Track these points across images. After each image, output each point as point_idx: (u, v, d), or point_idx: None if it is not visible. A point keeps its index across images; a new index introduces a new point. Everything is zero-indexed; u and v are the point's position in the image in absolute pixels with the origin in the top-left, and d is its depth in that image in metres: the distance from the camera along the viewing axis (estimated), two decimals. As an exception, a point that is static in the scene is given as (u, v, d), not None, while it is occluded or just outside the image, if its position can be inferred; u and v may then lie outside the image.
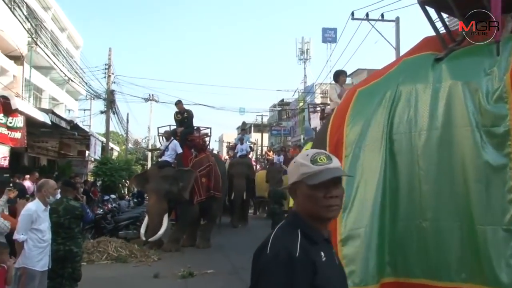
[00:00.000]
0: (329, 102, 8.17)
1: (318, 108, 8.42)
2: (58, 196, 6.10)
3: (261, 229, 16.33)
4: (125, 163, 20.36)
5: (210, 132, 13.68)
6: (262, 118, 51.15)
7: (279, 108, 55.51)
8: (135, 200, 20.15)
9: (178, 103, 12.78)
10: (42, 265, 5.23)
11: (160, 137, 12.96)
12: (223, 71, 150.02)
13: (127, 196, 20.48)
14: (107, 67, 23.00)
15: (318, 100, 45.52)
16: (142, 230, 10.88)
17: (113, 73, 23.12)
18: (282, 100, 53.73)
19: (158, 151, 12.67)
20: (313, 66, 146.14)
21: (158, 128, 13.07)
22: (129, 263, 9.64)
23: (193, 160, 11.96)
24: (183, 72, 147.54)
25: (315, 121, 7.88)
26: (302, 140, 45.88)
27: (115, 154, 29.57)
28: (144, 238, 10.75)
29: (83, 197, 6.90)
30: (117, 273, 8.67)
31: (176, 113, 12.74)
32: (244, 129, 23.41)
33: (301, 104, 49.13)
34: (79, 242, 5.83)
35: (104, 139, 24.38)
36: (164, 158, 11.61)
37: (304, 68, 55.50)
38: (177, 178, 11.12)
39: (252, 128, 57.57)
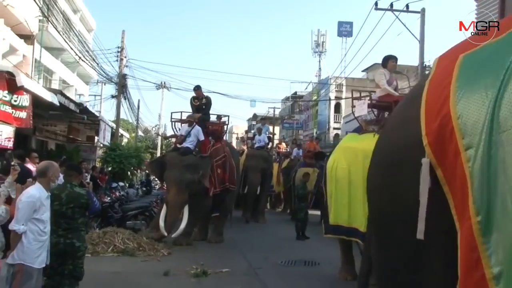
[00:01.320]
0: (374, 89, 7.37)
1: (364, 94, 7.50)
2: (61, 181, 5.35)
3: (274, 224, 15.59)
4: (135, 150, 19.63)
5: (228, 121, 12.79)
6: (274, 111, 50.35)
7: (292, 101, 54.75)
8: (144, 188, 19.47)
9: (197, 89, 11.90)
10: (40, 261, 4.48)
11: (173, 123, 12.08)
12: (236, 61, 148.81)
13: (136, 185, 19.73)
14: (119, 50, 22.22)
15: (332, 94, 44.94)
16: (162, 223, 9.89)
17: (125, 57, 22.35)
18: (295, 93, 52.95)
19: (176, 137, 11.60)
20: (328, 60, 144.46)
21: (171, 113, 12.21)
22: (136, 257, 8.88)
23: (211, 149, 11.12)
24: (196, 60, 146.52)
25: (361, 109, 6.99)
26: (315, 134, 45.26)
27: (125, 141, 28.85)
28: (165, 233, 9.85)
29: (90, 184, 6.03)
30: (123, 268, 7.92)
31: (194, 98, 11.93)
32: (264, 118, 22.39)
33: (314, 97, 48.43)
34: (83, 235, 5.03)
35: (114, 125, 23.68)
36: (185, 144, 10.64)
37: (319, 61, 54.82)
38: (198, 166, 10.33)
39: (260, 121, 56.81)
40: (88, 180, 10.43)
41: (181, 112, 12.01)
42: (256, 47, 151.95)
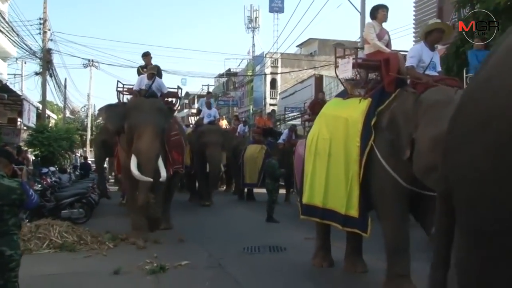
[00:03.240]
0: (363, 45, 6.47)
1: (348, 52, 6.53)
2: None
3: (223, 206, 14.67)
4: (66, 132, 17.90)
5: (180, 94, 11.18)
6: (208, 88, 48.93)
7: (226, 78, 53.61)
8: (77, 173, 17.88)
9: (146, 55, 10.50)
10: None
11: (119, 94, 10.59)
12: (167, 35, 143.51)
13: (68, 169, 18.06)
14: (42, 21, 20.07)
15: (268, 70, 44.31)
16: (136, 171, 8.25)
17: (49, 29, 20.25)
18: (229, 70, 51.89)
19: (135, 93, 9.74)
20: (261, 36, 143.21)
21: (118, 81, 10.70)
22: (78, 253, 7.70)
23: None
24: (127, 32, 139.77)
25: (345, 69, 6.05)
26: (251, 111, 44.54)
27: (52, 122, 26.65)
28: (139, 175, 8.22)
29: (24, 170, 4.61)
30: (63, 268, 6.71)
31: (141, 68, 10.47)
32: (210, 92, 21.02)
33: (249, 72, 47.55)
34: (15, 240, 3.83)
35: (39, 105, 21.64)
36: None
37: (253, 37, 53.83)
38: (167, 116, 9.16)
39: (196, 98, 55.45)
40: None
41: (123, 86, 10.66)
42: (188, 20, 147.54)
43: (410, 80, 5.58)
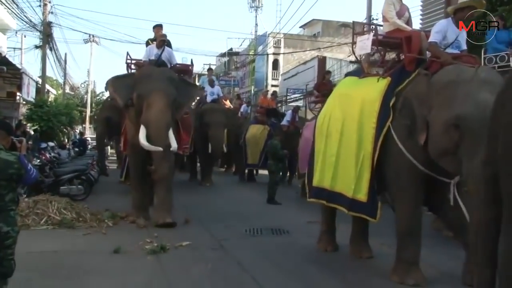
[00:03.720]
0: (381, 22, 6.15)
1: (366, 29, 6.22)
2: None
3: (224, 187, 14.50)
4: (65, 107, 17.61)
5: (192, 67, 10.27)
6: (210, 65, 48.38)
7: (228, 58, 53.08)
8: (76, 149, 17.65)
9: (157, 27, 9.81)
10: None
11: (128, 65, 9.58)
12: (169, 11, 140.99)
13: (67, 145, 17.84)
14: (42, -7, 19.64)
15: (270, 50, 43.82)
16: (145, 142, 7.62)
17: (49, 1, 19.80)
18: (231, 49, 51.35)
19: (139, 64, 9.27)
20: (264, 16, 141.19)
21: (127, 53, 9.62)
22: (76, 230, 7.55)
23: None
24: (130, 7, 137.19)
25: (364, 46, 5.75)
26: (252, 91, 44.17)
27: (51, 97, 26.34)
28: (148, 145, 7.62)
29: (23, 142, 4.28)
30: (62, 245, 6.55)
31: (151, 40, 9.78)
32: (211, 68, 20.54)
33: (251, 52, 47.00)
34: (13, 216, 3.61)
35: (39, 80, 21.32)
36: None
37: (256, 17, 53.14)
38: (179, 87, 8.26)
39: (197, 77, 55.20)
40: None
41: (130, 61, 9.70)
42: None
43: (428, 58, 5.31)
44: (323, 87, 11.88)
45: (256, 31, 50.36)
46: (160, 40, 8.91)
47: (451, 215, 5.01)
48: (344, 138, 5.72)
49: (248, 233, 7.83)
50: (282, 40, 42.31)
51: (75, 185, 10.55)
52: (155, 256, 6.12)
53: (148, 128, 7.64)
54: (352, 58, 21.75)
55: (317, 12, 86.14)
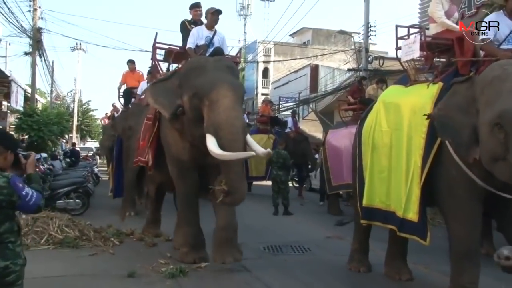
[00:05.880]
0: (429, 23, 5.59)
1: (413, 31, 5.59)
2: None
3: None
4: (57, 116, 16.85)
5: (240, 59, 8.45)
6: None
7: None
8: (68, 160, 16.90)
9: (194, 7, 7.46)
10: None
11: (154, 55, 7.79)
12: (159, 17, 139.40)
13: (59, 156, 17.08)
14: (32, -2, 18.91)
15: (260, 58, 43.47)
16: (218, 150, 5.24)
17: (39, 7, 19.09)
18: (220, 57, 50.86)
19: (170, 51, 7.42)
20: (252, 24, 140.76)
21: (156, 34, 7.67)
22: (81, 249, 6.92)
23: None
24: (120, 13, 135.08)
25: (410, 50, 5.18)
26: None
27: (39, 106, 25.53)
28: (226, 153, 5.22)
29: (30, 157, 3.45)
30: (68, 268, 5.91)
31: (189, 23, 7.34)
32: None
33: (241, 60, 46.57)
34: (12, 248, 2.94)
35: (27, 88, 20.56)
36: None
37: (244, 25, 52.91)
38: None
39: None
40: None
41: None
42: (181, 4, 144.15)
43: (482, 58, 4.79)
44: (358, 94, 11.40)
45: (245, 39, 50.17)
46: (213, 19, 6.74)
47: None
48: (394, 151, 5.19)
49: (267, 251, 7.27)
50: (273, 48, 42.00)
51: (72, 199, 9.93)
52: (175, 280, 5.51)
53: (219, 133, 5.29)
54: (349, 66, 21.73)
55: (306, 20, 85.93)
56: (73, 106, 40.19)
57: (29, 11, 18.78)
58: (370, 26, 20.67)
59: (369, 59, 19.55)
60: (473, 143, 4.22)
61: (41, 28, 19.16)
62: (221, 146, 5.24)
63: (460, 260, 4.59)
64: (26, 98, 19.92)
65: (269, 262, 6.64)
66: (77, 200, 9.95)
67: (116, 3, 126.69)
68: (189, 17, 7.49)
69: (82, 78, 60.98)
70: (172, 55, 7.42)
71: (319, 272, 6.12)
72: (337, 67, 28.94)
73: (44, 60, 20.70)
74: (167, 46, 7.63)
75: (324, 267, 6.38)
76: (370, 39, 20.70)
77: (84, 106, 45.79)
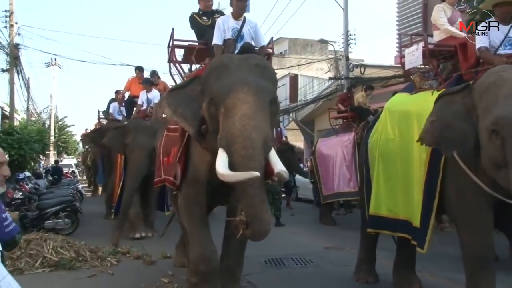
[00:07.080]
0: (432, 31, 5.59)
1: (418, 38, 5.59)
2: None
3: (221, 213, 13.70)
4: (38, 133, 16.45)
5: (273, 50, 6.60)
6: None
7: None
8: (50, 177, 16.52)
9: None
10: None
11: (171, 54, 6.50)
12: (142, 31, 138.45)
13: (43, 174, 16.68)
14: (8, 14, 18.55)
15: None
16: (225, 171, 3.90)
17: (16, 22, 18.71)
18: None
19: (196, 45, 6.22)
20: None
21: (172, 29, 6.52)
22: (78, 271, 6.69)
23: None
24: (100, 27, 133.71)
25: (413, 58, 5.17)
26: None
27: (16, 124, 25.00)
28: (223, 172, 3.90)
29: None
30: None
31: (199, 15, 6.28)
32: None
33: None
34: None
35: (4, 105, 20.10)
36: None
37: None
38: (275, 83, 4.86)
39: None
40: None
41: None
42: (157, 17, 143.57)
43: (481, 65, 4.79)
44: (348, 101, 11.45)
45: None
46: (240, 7, 5.42)
47: None
48: (401, 159, 5.17)
49: (270, 265, 7.16)
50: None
51: (61, 218, 9.64)
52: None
53: (231, 147, 3.99)
54: (330, 74, 21.85)
55: (282, 30, 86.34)
56: (50, 122, 39.47)
57: (6, 27, 18.42)
58: (350, 35, 20.87)
59: (349, 67, 19.68)
60: (479, 150, 4.21)
61: (18, 44, 18.80)
62: (232, 164, 3.94)
63: (475, 268, 4.54)
64: (3, 116, 19.46)
65: (274, 276, 6.55)
66: (66, 220, 9.66)
67: (95, 17, 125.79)
68: (189, 14, 6.36)
69: (59, 94, 60.15)
70: (194, 52, 6.24)
71: (327, 285, 6.06)
72: (315, 76, 29.07)
73: (22, 77, 20.25)
74: (186, 43, 6.47)
75: (330, 279, 6.31)
76: (350, 47, 20.85)
77: (60, 122, 45.03)
